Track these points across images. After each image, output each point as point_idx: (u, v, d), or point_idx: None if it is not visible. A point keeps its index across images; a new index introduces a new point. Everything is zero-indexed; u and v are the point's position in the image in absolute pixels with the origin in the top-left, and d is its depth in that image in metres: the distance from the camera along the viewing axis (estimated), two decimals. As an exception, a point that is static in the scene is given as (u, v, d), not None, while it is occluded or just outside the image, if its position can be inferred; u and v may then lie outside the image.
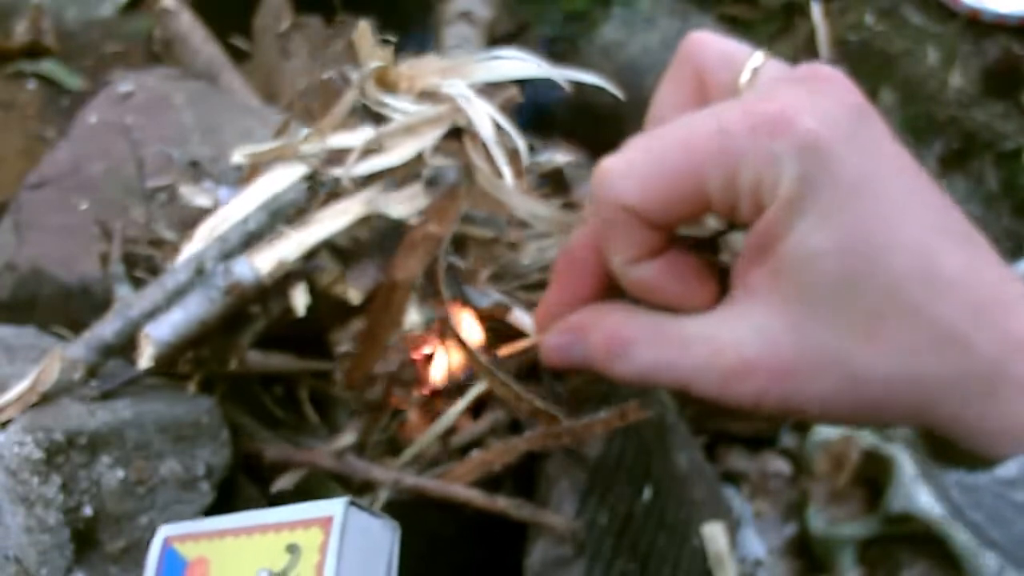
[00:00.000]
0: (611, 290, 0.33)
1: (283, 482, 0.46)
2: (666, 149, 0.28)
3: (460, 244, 0.46)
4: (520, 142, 0.45)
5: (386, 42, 0.48)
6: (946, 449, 0.29)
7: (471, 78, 0.46)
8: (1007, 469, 0.27)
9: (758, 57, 0.30)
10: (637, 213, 0.29)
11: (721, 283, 0.30)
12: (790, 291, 0.27)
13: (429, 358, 0.49)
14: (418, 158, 0.45)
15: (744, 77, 0.30)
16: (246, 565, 0.30)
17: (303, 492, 0.47)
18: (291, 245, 0.43)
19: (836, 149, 0.26)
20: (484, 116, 0.44)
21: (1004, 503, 0.27)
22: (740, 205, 0.28)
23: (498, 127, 0.45)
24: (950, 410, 0.27)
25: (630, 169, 0.29)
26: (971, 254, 0.27)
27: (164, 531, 0.33)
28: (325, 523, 0.29)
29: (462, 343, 0.45)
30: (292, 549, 0.30)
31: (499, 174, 0.44)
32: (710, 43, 0.31)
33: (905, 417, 0.28)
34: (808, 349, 0.27)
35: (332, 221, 0.44)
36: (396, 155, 0.44)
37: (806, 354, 0.27)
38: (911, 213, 0.27)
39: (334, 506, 0.29)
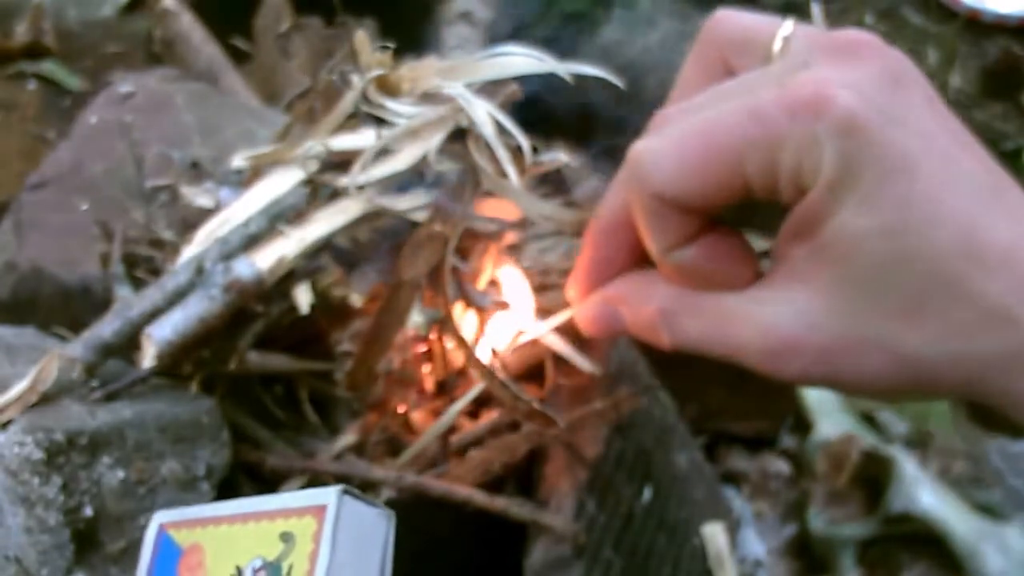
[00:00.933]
0: (644, 258, 0.33)
1: (287, 491, 0.46)
2: (700, 134, 0.28)
3: (461, 246, 0.46)
4: (523, 140, 0.45)
5: (386, 47, 0.48)
6: (987, 416, 0.29)
7: (472, 77, 0.46)
8: None
9: (788, 25, 0.30)
10: (674, 201, 0.28)
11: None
12: (833, 274, 0.27)
13: (430, 358, 0.49)
14: (422, 161, 0.45)
15: (776, 46, 0.29)
16: (240, 553, 0.30)
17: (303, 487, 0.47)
18: (291, 243, 0.43)
19: (875, 126, 0.26)
20: (485, 115, 0.44)
21: None
22: (781, 188, 0.27)
23: (500, 127, 0.45)
24: (998, 385, 0.27)
25: (664, 155, 0.28)
26: (1018, 224, 0.27)
27: (159, 517, 0.33)
28: (319, 511, 0.29)
29: (463, 343, 0.45)
30: (286, 537, 0.29)
31: (503, 174, 0.44)
32: (735, 19, 0.31)
33: (952, 392, 0.28)
34: (852, 331, 0.27)
35: (333, 219, 0.44)
36: (401, 159, 0.44)
37: (850, 336, 0.27)
38: (954, 186, 0.26)
39: (328, 494, 0.29)
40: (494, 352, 0.47)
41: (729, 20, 0.31)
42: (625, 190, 0.31)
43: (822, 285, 0.27)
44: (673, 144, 0.28)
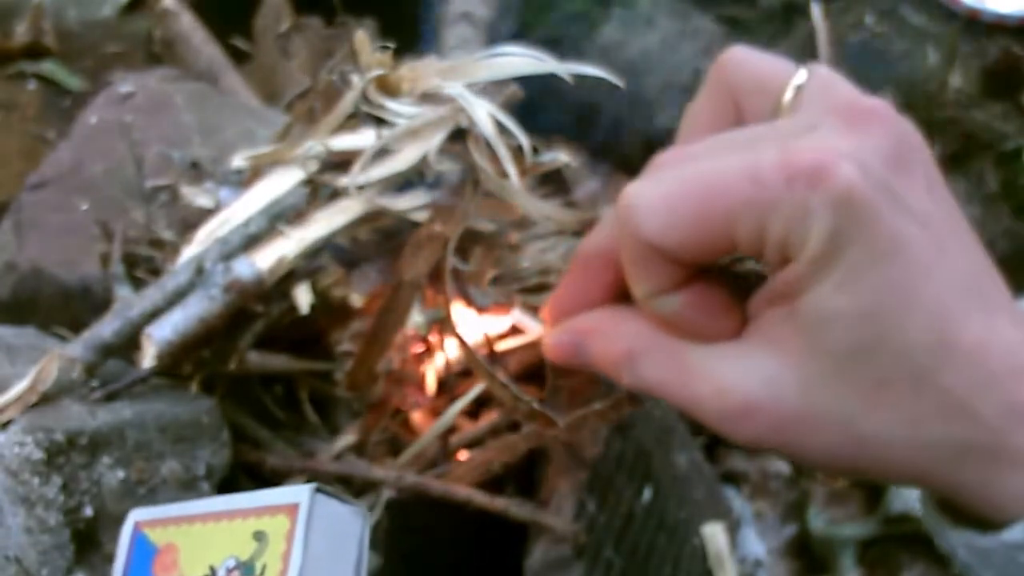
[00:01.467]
0: (623, 294, 0.33)
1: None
2: (695, 188, 0.27)
3: (462, 247, 0.46)
4: (523, 139, 0.45)
5: (386, 47, 0.48)
6: (954, 509, 0.29)
7: (472, 77, 0.46)
8: (1014, 533, 0.27)
9: (801, 75, 0.29)
10: (659, 250, 0.28)
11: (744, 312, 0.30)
12: (803, 346, 0.27)
13: (431, 358, 0.49)
14: (422, 161, 0.45)
15: (787, 96, 0.29)
16: (214, 552, 0.30)
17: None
18: (291, 243, 0.43)
19: (871, 204, 0.25)
20: (485, 115, 0.44)
21: (1014, 566, 0.27)
22: (767, 253, 0.27)
23: (501, 126, 0.45)
24: (952, 477, 0.27)
25: (656, 205, 0.28)
26: (991, 318, 0.27)
27: (134, 515, 0.33)
28: (291, 510, 0.29)
29: (463, 343, 0.45)
30: (259, 536, 0.29)
31: (504, 174, 0.44)
32: (747, 60, 0.30)
33: (906, 479, 0.28)
34: (814, 405, 0.27)
35: (333, 219, 0.44)
36: (401, 159, 0.44)
37: (811, 410, 0.27)
38: (936, 275, 0.26)
39: (300, 493, 0.29)
40: (493, 352, 0.47)
41: (741, 62, 0.31)
42: (614, 228, 0.31)
43: (791, 354, 0.27)
44: (667, 194, 0.28)
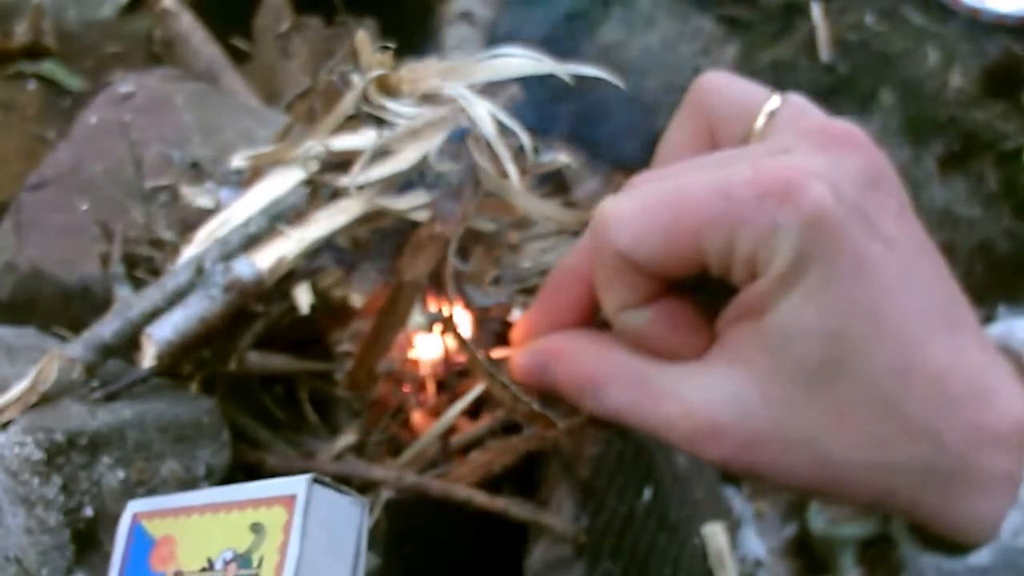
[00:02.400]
0: (594, 318, 0.33)
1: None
2: (668, 201, 0.28)
3: (463, 247, 0.46)
4: (524, 138, 0.45)
5: (386, 47, 0.48)
6: (924, 533, 0.29)
7: (473, 78, 0.46)
8: (980, 557, 0.27)
9: (775, 100, 0.29)
10: (632, 262, 0.28)
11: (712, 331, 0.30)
12: (769, 365, 0.27)
13: (431, 358, 0.49)
14: (422, 161, 0.45)
15: (759, 123, 0.29)
16: (211, 544, 0.30)
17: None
18: (291, 243, 0.43)
19: (839, 225, 0.25)
20: (486, 115, 0.44)
21: None
22: (735, 268, 0.27)
23: (501, 126, 0.45)
24: (916, 500, 0.27)
25: (630, 217, 0.28)
26: (956, 342, 0.27)
27: (132, 507, 0.33)
28: (288, 501, 0.28)
29: (464, 343, 0.45)
30: (256, 528, 0.29)
31: (504, 174, 0.44)
32: (723, 85, 0.31)
33: (870, 501, 0.28)
34: (779, 425, 0.27)
35: (333, 219, 0.44)
36: (402, 159, 0.44)
37: (777, 430, 0.27)
38: (902, 298, 0.26)
39: (298, 484, 0.28)
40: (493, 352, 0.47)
41: (716, 87, 0.31)
42: (587, 246, 0.31)
43: (757, 373, 0.27)
44: (641, 207, 0.28)
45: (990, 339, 0.28)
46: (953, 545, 0.28)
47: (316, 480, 0.29)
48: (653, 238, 0.28)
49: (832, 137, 0.28)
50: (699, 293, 0.30)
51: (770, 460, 0.28)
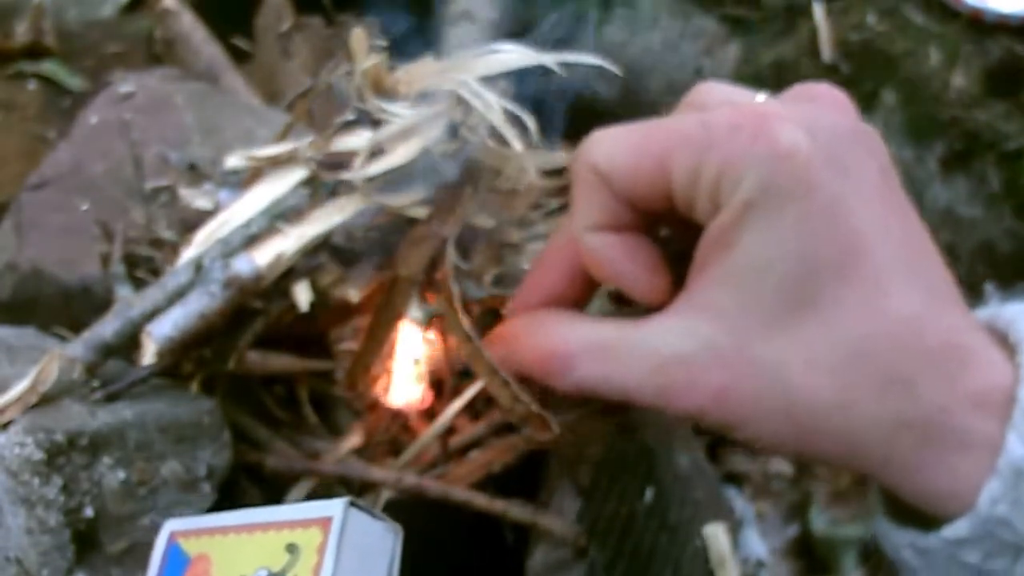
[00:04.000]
0: (584, 299, 0.33)
1: (294, 496, 0.46)
2: (649, 128, 0.29)
3: (463, 245, 0.46)
4: (529, 121, 0.45)
5: (385, 47, 0.47)
6: (898, 507, 0.28)
7: (469, 74, 0.46)
8: (956, 529, 0.26)
9: (760, 97, 0.30)
10: (603, 177, 0.29)
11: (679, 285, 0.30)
12: (738, 303, 0.27)
13: (430, 356, 0.49)
14: (419, 158, 0.44)
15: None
16: (246, 563, 0.30)
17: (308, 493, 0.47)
18: (290, 240, 0.43)
19: (813, 165, 0.25)
20: (493, 101, 0.44)
21: (956, 566, 0.26)
22: (698, 200, 0.27)
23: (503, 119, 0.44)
24: (887, 457, 0.26)
25: (609, 138, 0.29)
26: (931, 296, 0.26)
27: (169, 526, 0.33)
28: (324, 524, 0.29)
29: (466, 335, 0.45)
30: (291, 549, 0.29)
31: (505, 164, 0.44)
32: (715, 91, 0.31)
33: (838, 453, 0.27)
34: (750, 366, 0.27)
35: (331, 217, 0.44)
36: (400, 155, 0.44)
37: (748, 372, 0.27)
38: (875, 245, 0.26)
39: (334, 507, 0.29)
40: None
41: (709, 90, 0.31)
42: (569, 222, 0.31)
43: (725, 313, 0.27)
44: (624, 131, 0.29)
45: (974, 314, 0.28)
46: (929, 518, 0.27)
47: (352, 504, 0.29)
48: (625, 156, 0.28)
49: (817, 94, 0.28)
50: (671, 253, 0.31)
51: (742, 409, 0.27)
